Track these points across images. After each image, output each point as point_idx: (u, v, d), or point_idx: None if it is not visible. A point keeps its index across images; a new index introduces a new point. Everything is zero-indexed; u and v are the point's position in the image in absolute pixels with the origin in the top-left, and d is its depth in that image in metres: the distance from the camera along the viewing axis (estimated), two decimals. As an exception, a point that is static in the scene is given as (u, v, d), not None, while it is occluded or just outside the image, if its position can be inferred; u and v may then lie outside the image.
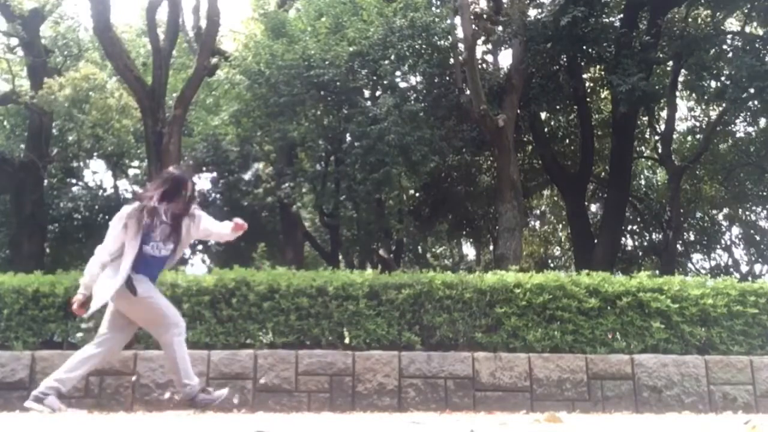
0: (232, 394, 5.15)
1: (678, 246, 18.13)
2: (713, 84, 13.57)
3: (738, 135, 17.75)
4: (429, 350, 6.19)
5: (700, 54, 12.86)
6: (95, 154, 17.35)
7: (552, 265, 21.49)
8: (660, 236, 18.26)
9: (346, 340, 6.40)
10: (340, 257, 16.33)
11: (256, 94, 13.01)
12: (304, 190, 14.93)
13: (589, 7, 11.93)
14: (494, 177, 15.32)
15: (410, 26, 12.67)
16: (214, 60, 13.93)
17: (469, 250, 23.63)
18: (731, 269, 19.99)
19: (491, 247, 19.42)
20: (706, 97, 14.34)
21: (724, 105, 15.00)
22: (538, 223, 22.23)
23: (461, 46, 12.33)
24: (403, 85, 13.92)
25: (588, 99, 16.13)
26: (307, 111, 13.29)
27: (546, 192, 20.22)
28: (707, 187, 18.90)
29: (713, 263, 20.83)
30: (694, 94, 15.09)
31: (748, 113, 14.57)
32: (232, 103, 14.37)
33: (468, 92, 12.32)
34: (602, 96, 17.41)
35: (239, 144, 15.34)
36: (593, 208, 19.83)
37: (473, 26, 12.31)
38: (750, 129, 17.20)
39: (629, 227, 19.62)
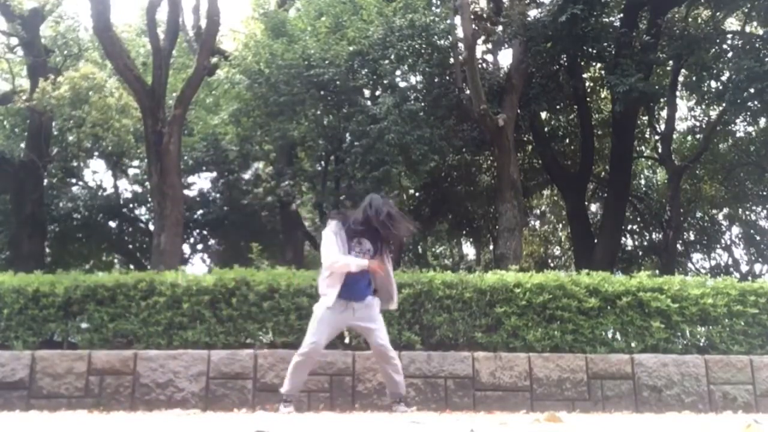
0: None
1: (678, 246, 18.12)
2: (713, 85, 13.57)
3: (738, 135, 17.74)
4: (429, 350, 6.19)
5: (700, 54, 12.86)
6: (95, 153, 17.34)
7: (552, 264, 21.47)
8: (660, 236, 18.26)
9: (346, 340, 6.41)
10: (340, 257, 16.28)
11: (256, 93, 13.00)
12: (304, 189, 14.92)
13: (589, 6, 11.93)
14: (494, 177, 15.32)
15: (410, 26, 12.66)
16: (214, 59, 13.92)
17: (469, 250, 23.64)
18: (731, 269, 19.98)
19: (491, 247, 19.42)
20: (706, 99, 14.34)
21: (723, 105, 15.00)
22: (538, 223, 22.23)
23: (461, 45, 12.33)
24: (402, 84, 13.91)
25: (588, 99, 16.12)
26: (306, 110, 13.28)
27: (546, 192, 20.21)
28: (707, 186, 18.89)
29: (713, 263, 20.84)
30: (694, 95, 15.09)
31: (748, 113, 14.57)
32: (232, 102, 14.36)
33: (468, 92, 12.31)
34: (602, 96, 17.40)
35: (239, 143, 15.33)
36: (593, 207, 19.82)
37: (473, 26, 12.30)
38: (750, 129, 17.19)
39: (629, 227, 19.62)
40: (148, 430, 3.20)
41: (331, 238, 4.99)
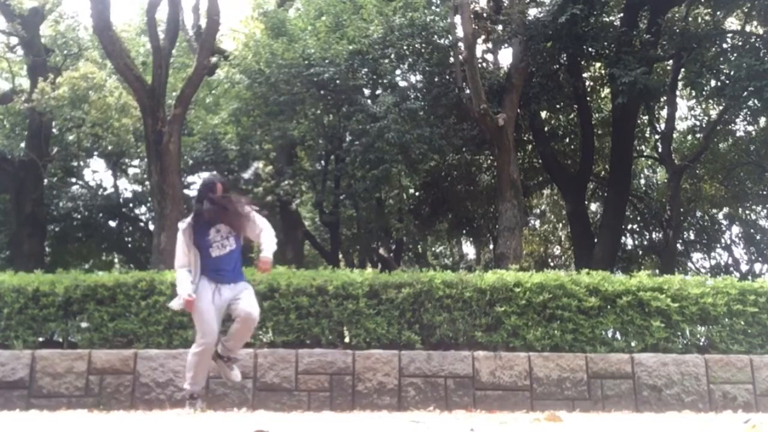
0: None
1: (678, 245, 18.11)
2: (713, 82, 13.57)
3: (738, 134, 17.73)
4: (429, 349, 6.19)
5: (700, 52, 12.86)
6: (95, 153, 17.34)
7: (552, 264, 21.45)
8: (660, 235, 18.25)
9: (346, 339, 6.41)
10: (340, 256, 16.32)
11: (256, 93, 13.00)
12: (304, 189, 14.93)
13: (589, 6, 11.92)
14: (494, 176, 15.31)
15: (410, 25, 12.66)
16: (213, 59, 13.91)
17: (469, 249, 23.63)
18: (731, 268, 19.97)
19: (491, 246, 19.41)
20: (704, 94, 14.33)
21: (724, 104, 14.99)
22: (538, 222, 22.22)
23: (461, 44, 12.32)
24: (402, 83, 13.91)
25: (588, 98, 16.11)
26: (306, 110, 13.28)
27: (546, 191, 20.20)
28: (707, 186, 18.88)
29: (713, 262, 20.82)
30: (693, 92, 15.09)
31: (748, 112, 14.54)
32: (232, 102, 14.36)
33: (468, 91, 12.31)
34: (602, 95, 17.39)
35: (239, 143, 15.32)
36: (593, 207, 19.81)
37: (473, 25, 12.29)
38: (750, 128, 17.17)
39: (629, 226, 19.60)
40: (148, 429, 3.20)
41: (180, 240, 4.98)
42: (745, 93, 11.78)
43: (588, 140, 15.35)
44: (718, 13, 14.24)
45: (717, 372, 6.22)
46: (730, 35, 14.13)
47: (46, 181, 16.38)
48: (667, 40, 13.72)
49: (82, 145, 16.30)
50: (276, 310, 6.20)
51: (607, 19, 13.57)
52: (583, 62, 14.94)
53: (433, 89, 13.65)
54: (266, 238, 4.93)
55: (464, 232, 19.76)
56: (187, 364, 4.93)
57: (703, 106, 17.81)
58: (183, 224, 5.01)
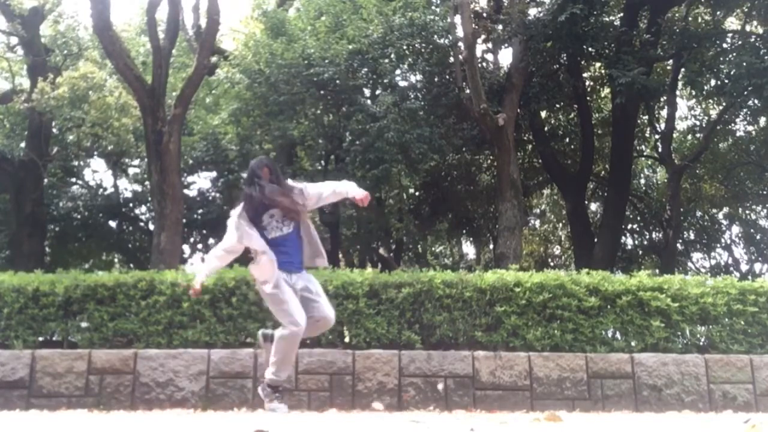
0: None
1: (678, 245, 18.11)
2: (713, 82, 13.58)
3: (738, 134, 17.74)
4: (429, 349, 6.19)
5: (700, 51, 12.87)
6: (95, 153, 17.34)
7: (552, 264, 21.46)
8: (660, 235, 18.26)
9: (346, 339, 6.41)
10: (340, 256, 16.31)
11: (256, 92, 13.01)
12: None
13: (589, 5, 11.93)
14: (494, 176, 15.32)
15: (410, 25, 12.67)
16: (213, 59, 13.92)
17: (469, 249, 23.63)
18: (731, 268, 19.98)
19: (491, 246, 19.42)
20: (704, 94, 14.34)
21: (724, 104, 14.99)
22: (538, 222, 22.22)
23: (461, 44, 12.32)
24: (402, 83, 13.91)
25: (588, 98, 16.12)
26: (306, 110, 13.28)
27: (546, 191, 20.21)
28: (707, 186, 18.89)
29: (713, 262, 20.84)
30: (693, 92, 15.10)
31: (748, 112, 14.55)
32: (232, 102, 14.36)
33: (468, 91, 12.31)
34: (602, 95, 17.40)
35: (239, 143, 15.32)
36: (593, 206, 19.82)
37: (473, 24, 12.30)
38: (750, 128, 17.19)
39: (629, 226, 19.61)
40: (148, 429, 3.20)
41: (231, 224, 4.78)
42: (746, 92, 11.78)
43: (588, 140, 15.35)
44: (718, 12, 14.25)
45: (717, 372, 6.22)
46: (729, 35, 14.14)
47: (46, 181, 16.38)
48: (667, 40, 13.72)
49: (82, 145, 16.29)
50: (276, 310, 6.20)
51: (607, 19, 13.57)
52: (583, 62, 14.94)
53: (433, 89, 13.66)
54: (335, 187, 4.79)
55: (464, 232, 19.77)
56: (275, 352, 4.59)
57: (703, 105, 17.81)
58: (237, 210, 4.81)
